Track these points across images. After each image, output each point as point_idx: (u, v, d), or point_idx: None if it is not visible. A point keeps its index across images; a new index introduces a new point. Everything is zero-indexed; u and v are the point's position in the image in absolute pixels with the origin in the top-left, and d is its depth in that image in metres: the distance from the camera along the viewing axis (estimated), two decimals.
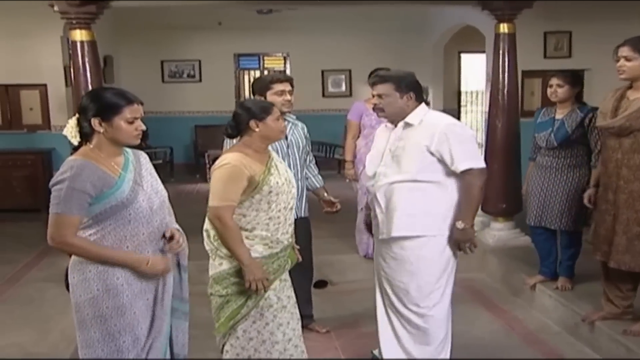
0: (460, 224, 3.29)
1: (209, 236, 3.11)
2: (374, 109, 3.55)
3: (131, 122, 2.63)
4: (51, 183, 2.54)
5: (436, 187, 3.32)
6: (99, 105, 2.59)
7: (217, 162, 3.06)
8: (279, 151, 3.94)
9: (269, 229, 3.07)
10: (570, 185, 4.40)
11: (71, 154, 2.64)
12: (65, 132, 2.67)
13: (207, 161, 9.71)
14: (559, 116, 4.44)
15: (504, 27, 5.76)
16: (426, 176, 3.31)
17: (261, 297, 3.09)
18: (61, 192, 2.48)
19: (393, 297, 3.47)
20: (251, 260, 2.98)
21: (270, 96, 3.93)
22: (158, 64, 11.46)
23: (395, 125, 3.44)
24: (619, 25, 5.89)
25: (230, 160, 3.00)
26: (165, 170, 10.45)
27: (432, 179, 3.31)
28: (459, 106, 11.94)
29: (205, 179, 9.72)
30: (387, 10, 10.43)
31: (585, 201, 4.15)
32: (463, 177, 3.29)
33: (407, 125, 3.37)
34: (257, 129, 3.07)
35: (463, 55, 11.69)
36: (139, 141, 2.73)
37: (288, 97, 3.93)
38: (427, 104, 11.67)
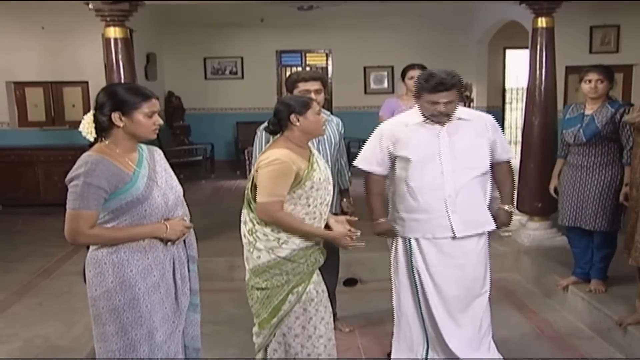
0: (510, 207, 3.58)
1: (247, 229, 3.14)
2: (436, 115, 3.31)
3: (150, 117, 2.66)
4: (67, 179, 2.56)
5: (488, 178, 3.48)
6: (119, 99, 2.61)
7: (263, 158, 3.06)
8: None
9: (306, 222, 3.08)
10: (603, 184, 4.25)
11: (87, 150, 2.65)
12: (80, 128, 2.69)
13: (246, 157, 9.76)
14: (588, 112, 4.29)
15: (542, 22, 5.61)
16: (487, 167, 3.44)
17: (303, 292, 3.10)
18: (77, 188, 2.49)
19: (463, 292, 3.47)
20: (325, 231, 3.17)
21: (297, 94, 3.87)
22: (201, 61, 11.58)
23: (443, 124, 3.35)
24: None
25: (279, 157, 3.00)
26: (206, 167, 10.56)
27: (488, 169, 3.47)
28: (503, 103, 11.70)
29: (245, 175, 9.79)
30: (430, 6, 10.29)
31: (622, 199, 4.01)
32: (502, 165, 3.54)
33: (461, 120, 3.38)
34: (297, 124, 3.07)
35: (508, 52, 11.44)
36: (155, 136, 2.75)
37: (313, 96, 3.83)
38: (472, 101, 11.53)
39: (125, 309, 2.61)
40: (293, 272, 3.08)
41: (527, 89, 5.83)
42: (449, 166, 3.31)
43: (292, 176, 2.98)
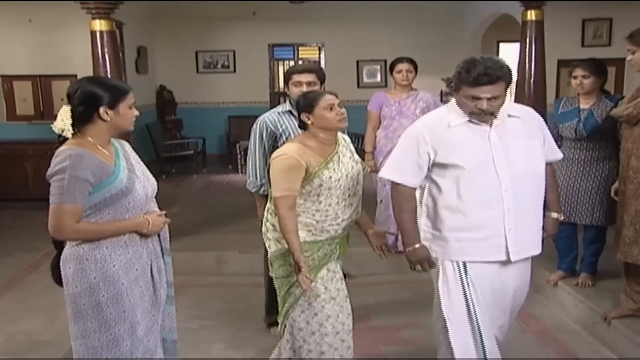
0: (559, 215, 3.15)
1: (265, 218, 3.21)
2: (476, 113, 2.75)
3: (130, 108, 2.66)
4: (49, 174, 2.52)
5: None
6: (106, 94, 2.59)
7: (275, 152, 3.09)
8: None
9: (315, 218, 3.05)
10: (600, 178, 4.21)
11: (57, 147, 2.60)
12: (56, 126, 2.60)
13: (238, 152, 9.74)
14: (584, 106, 4.24)
15: (531, 14, 5.59)
16: (544, 173, 2.94)
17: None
18: (63, 182, 2.45)
19: (509, 315, 3.04)
20: (300, 254, 2.92)
21: (290, 87, 3.86)
22: (193, 54, 11.52)
23: (490, 123, 2.80)
24: None
25: (286, 152, 3.00)
26: (198, 161, 10.53)
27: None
28: None
29: (237, 170, 9.76)
30: (423, 0, 10.26)
31: (612, 194, 3.99)
32: (548, 167, 3.00)
33: (511, 117, 2.84)
34: (308, 121, 3.05)
35: (502, 45, 11.42)
36: (133, 127, 2.73)
37: (304, 88, 3.81)
38: None
39: (109, 305, 2.59)
40: None
41: (517, 82, 5.80)
42: (505, 174, 2.75)
43: (301, 170, 2.95)
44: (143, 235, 2.69)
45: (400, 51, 6.02)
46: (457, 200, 2.80)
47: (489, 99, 2.66)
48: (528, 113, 2.95)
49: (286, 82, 3.92)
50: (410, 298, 4.76)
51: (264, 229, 3.22)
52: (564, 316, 4.41)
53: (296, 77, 3.81)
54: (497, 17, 10.04)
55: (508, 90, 2.75)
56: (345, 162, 3.10)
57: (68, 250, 2.62)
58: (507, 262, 2.84)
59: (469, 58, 2.75)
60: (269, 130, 3.84)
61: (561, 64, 8.08)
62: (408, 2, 10.39)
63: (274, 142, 3.87)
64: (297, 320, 3.13)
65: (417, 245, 2.92)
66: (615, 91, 7.96)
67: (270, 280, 4.14)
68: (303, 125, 3.12)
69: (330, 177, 2.99)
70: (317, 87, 3.81)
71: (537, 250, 2.94)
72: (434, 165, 2.83)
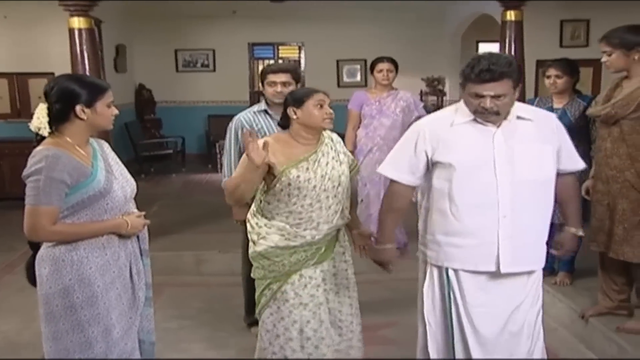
0: (579, 231, 2.88)
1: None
2: (480, 112, 2.60)
3: (109, 107, 2.62)
4: (25, 174, 2.48)
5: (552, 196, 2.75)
6: (80, 92, 2.54)
7: None
8: None
9: (288, 222, 3.01)
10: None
11: (34, 145, 2.56)
12: (33, 124, 2.56)
13: (217, 151, 9.69)
14: (557, 105, 4.30)
15: (510, 15, 5.61)
16: (553, 182, 2.71)
17: (277, 290, 3.07)
18: (39, 183, 2.42)
19: (507, 339, 2.72)
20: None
21: (265, 86, 3.85)
22: (172, 53, 11.46)
23: (498, 124, 2.63)
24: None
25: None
26: (177, 160, 10.47)
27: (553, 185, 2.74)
28: None
29: (216, 169, 9.71)
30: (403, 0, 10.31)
31: (583, 193, 4.01)
32: (567, 177, 2.82)
33: (521, 119, 2.66)
34: (294, 117, 3.01)
35: (481, 45, 11.49)
36: (112, 126, 2.69)
37: (279, 88, 3.80)
38: (444, 94, 11.54)
39: (83, 307, 2.55)
40: (269, 269, 3.07)
41: None
42: (505, 178, 2.58)
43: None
44: (121, 237, 2.66)
45: (380, 51, 6.03)
46: (449, 202, 2.65)
47: (492, 96, 2.51)
48: (544, 117, 2.78)
49: (262, 81, 3.92)
50: (390, 297, 4.77)
51: (248, 227, 3.20)
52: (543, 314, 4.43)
53: (271, 77, 3.81)
54: (476, 17, 10.09)
55: (517, 89, 2.61)
56: (324, 162, 3.03)
57: (44, 251, 2.58)
58: (497, 274, 2.64)
59: (475, 55, 2.61)
60: (244, 129, 3.82)
61: (540, 64, 8.14)
62: (388, 2, 10.43)
63: None
64: (266, 321, 3.13)
65: (388, 246, 2.90)
66: (593, 92, 8.04)
67: (248, 280, 4.13)
68: (285, 123, 3.09)
69: (299, 177, 2.94)
70: (292, 87, 3.81)
71: (537, 265, 2.73)
72: (433, 165, 2.70)
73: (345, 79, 11.66)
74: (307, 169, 2.97)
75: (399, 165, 2.78)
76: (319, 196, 2.99)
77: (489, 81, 2.48)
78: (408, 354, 3.82)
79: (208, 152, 10.91)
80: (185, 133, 11.00)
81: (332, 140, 3.13)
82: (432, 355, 2.83)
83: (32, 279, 2.67)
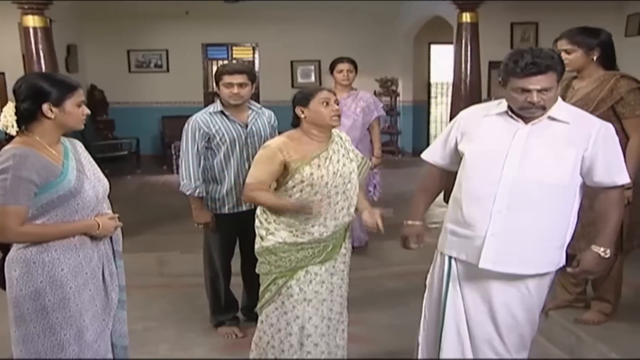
0: (605, 252, 2.64)
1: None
2: (526, 108, 2.51)
3: (79, 106, 2.58)
4: None
5: (575, 205, 2.68)
6: (48, 90, 2.50)
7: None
8: (237, 140, 3.85)
9: (298, 218, 3.06)
10: None
11: (4, 144, 2.52)
12: (1, 123, 2.50)
13: (173, 152, 9.61)
14: None
15: (466, 17, 5.77)
16: (570, 187, 2.60)
17: (283, 285, 3.12)
18: (6, 183, 2.37)
19: (503, 336, 2.71)
20: (280, 202, 3.07)
21: (221, 87, 3.84)
22: (124, 53, 11.26)
23: (529, 121, 2.57)
24: (586, 16, 5.91)
25: (270, 143, 3.14)
26: (132, 162, 10.32)
27: (576, 191, 2.64)
28: (429, 98, 11.92)
29: (172, 170, 9.62)
30: (357, 1, 10.39)
31: None
32: (608, 192, 2.63)
33: (554, 121, 2.56)
34: (302, 115, 3.09)
35: (433, 47, 11.67)
36: (83, 126, 2.66)
37: (235, 90, 3.80)
38: (397, 94, 11.63)
39: (55, 309, 2.52)
40: (275, 264, 3.13)
41: (453, 82, 5.98)
42: (510, 174, 2.52)
43: (276, 162, 3.03)
44: (94, 238, 2.63)
45: (335, 52, 6.09)
46: (458, 190, 2.68)
47: (539, 90, 2.43)
48: (585, 121, 2.61)
49: (216, 82, 3.90)
50: (356, 295, 4.80)
51: (257, 223, 3.25)
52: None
53: (227, 78, 3.81)
54: (429, 19, 10.26)
55: (560, 84, 2.55)
56: (335, 159, 3.11)
57: (14, 252, 2.53)
58: (491, 270, 2.59)
59: (515, 49, 2.55)
60: (201, 130, 3.82)
61: (492, 65, 8.35)
62: (342, 3, 10.51)
63: (207, 142, 3.85)
64: (270, 315, 3.19)
65: (416, 222, 2.94)
66: None
67: (212, 281, 4.14)
68: (296, 123, 3.15)
69: (312, 174, 3.01)
70: (248, 88, 3.83)
71: (528, 270, 2.60)
72: (459, 152, 2.73)
73: (300, 79, 11.65)
74: (319, 165, 3.04)
75: (434, 148, 2.89)
76: (329, 192, 3.07)
77: (535, 74, 2.41)
78: (374, 351, 3.90)
79: (163, 153, 10.78)
80: (139, 134, 10.82)
81: (341, 138, 3.23)
82: (421, 345, 2.91)
83: (1, 282, 2.61)
